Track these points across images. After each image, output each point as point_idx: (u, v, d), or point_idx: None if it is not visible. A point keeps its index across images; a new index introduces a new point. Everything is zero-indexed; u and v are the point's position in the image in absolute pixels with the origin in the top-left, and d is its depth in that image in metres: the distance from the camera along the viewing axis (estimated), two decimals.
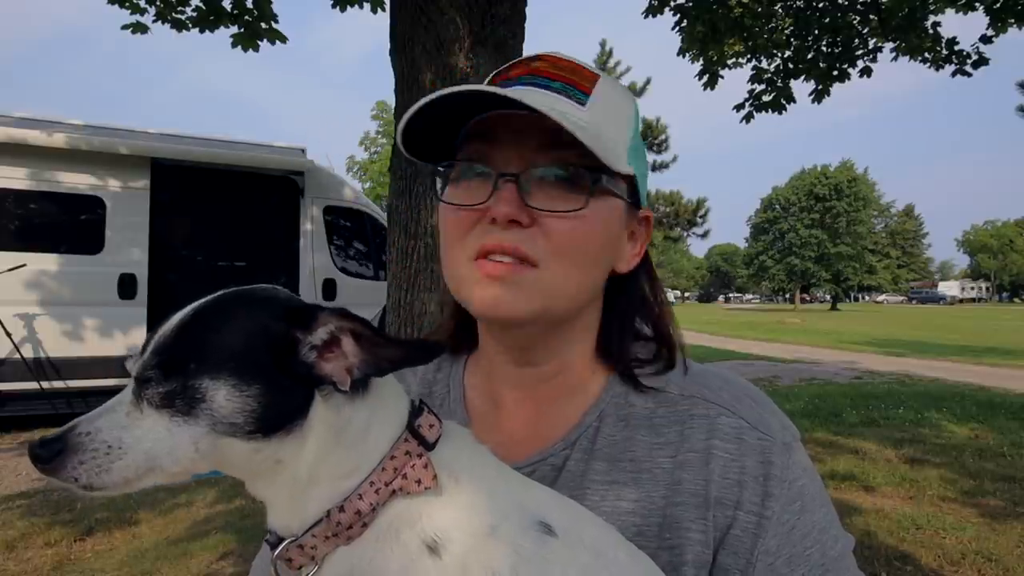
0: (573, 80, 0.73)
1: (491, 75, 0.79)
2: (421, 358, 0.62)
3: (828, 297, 74.32)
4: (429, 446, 0.64)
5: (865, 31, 6.12)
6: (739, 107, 6.81)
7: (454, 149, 0.76)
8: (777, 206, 70.27)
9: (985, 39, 5.74)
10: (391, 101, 3.05)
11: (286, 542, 0.61)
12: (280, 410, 0.58)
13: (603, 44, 22.39)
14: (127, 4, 4.66)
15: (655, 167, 21.93)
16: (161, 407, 0.56)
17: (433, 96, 0.67)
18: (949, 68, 6.04)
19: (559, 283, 0.72)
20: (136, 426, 0.57)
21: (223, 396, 0.55)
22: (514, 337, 0.79)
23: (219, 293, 0.62)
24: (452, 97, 0.67)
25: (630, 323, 0.85)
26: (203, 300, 0.61)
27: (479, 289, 0.72)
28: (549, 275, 0.71)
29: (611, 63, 22.21)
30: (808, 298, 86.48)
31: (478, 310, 0.73)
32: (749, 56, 6.63)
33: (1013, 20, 5.44)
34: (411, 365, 0.62)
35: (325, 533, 0.59)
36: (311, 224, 8.18)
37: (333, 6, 5.04)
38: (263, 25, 4.71)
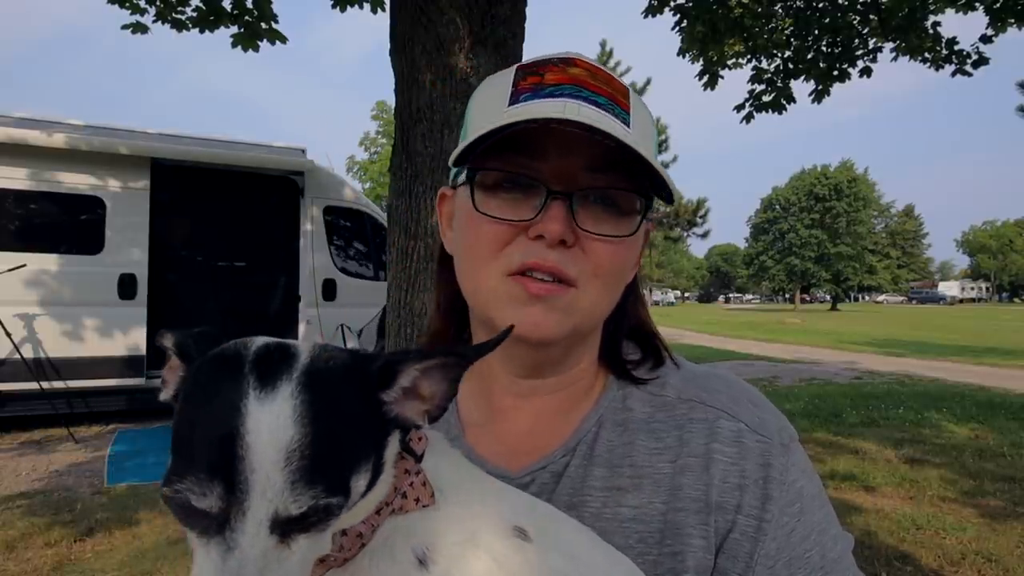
0: (614, 96, 0.71)
1: (516, 68, 0.75)
2: (493, 346, 0.58)
3: (828, 297, 74.35)
4: (418, 459, 0.63)
5: (865, 31, 6.12)
6: (739, 107, 6.81)
7: (477, 150, 0.70)
8: (777, 206, 70.29)
9: (985, 39, 5.75)
10: (391, 101, 3.05)
11: None
12: (380, 468, 0.55)
13: (603, 44, 22.41)
14: (127, 4, 4.67)
15: None
16: (326, 529, 0.50)
17: (507, 122, 0.64)
18: (949, 68, 6.04)
19: (593, 303, 0.73)
20: (290, 567, 0.48)
21: (362, 483, 0.52)
22: (536, 356, 0.78)
23: (297, 378, 0.49)
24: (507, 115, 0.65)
25: (623, 325, 0.86)
26: (293, 396, 0.48)
27: (518, 308, 0.70)
28: (585, 296, 0.71)
29: (611, 63, 22.20)
30: (808, 298, 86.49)
31: (516, 330, 0.68)
32: (749, 56, 6.63)
33: (1013, 20, 5.44)
34: (480, 354, 0.58)
35: (320, 557, 0.57)
36: (311, 224, 8.18)
37: (333, 6, 5.04)
38: (263, 25, 4.71)
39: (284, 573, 0.47)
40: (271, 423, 0.46)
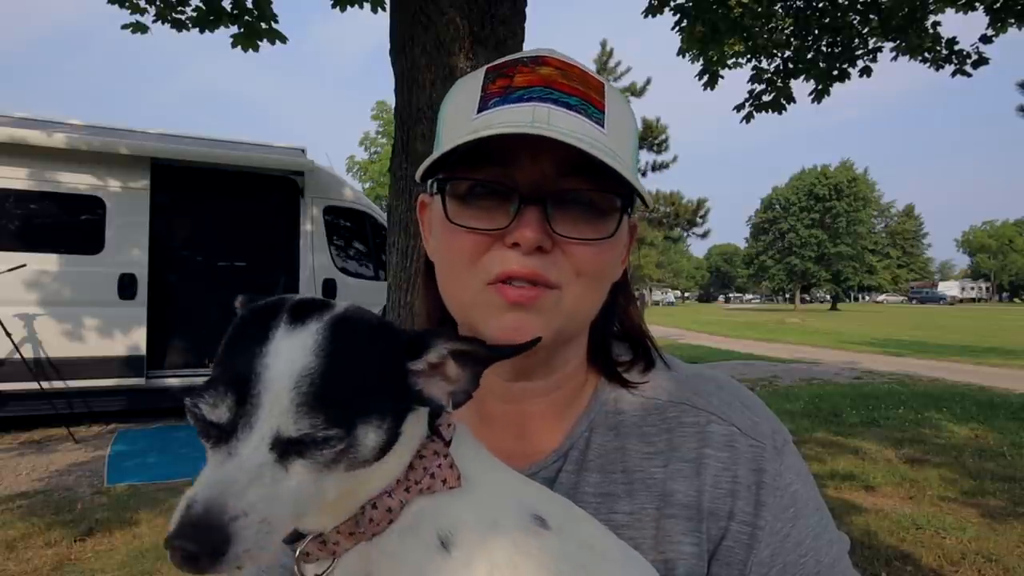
0: (588, 95, 0.69)
1: (486, 69, 0.73)
2: (519, 350, 0.61)
3: (828, 297, 74.36)
4: (446, 444, 0.64)
5: (865, 31, 6.12)
6: (739, 107, 6.81)
7: (449, 161, 0.69)
8: (777, 206, 70.29)
9: (985, 39, 5.74)
10: (391, 101, 3.05)
11: (308, 538, 0.61)
12: (396, 436, 0.57)
13: (603, 44, 22.39)
14: (127, 4, 4.67)
15: (655, 167, 21.93)
16: (325, 463, 0.51)
17: (474, 138, 0.63)
18: (949, 68, 6.04)
19: (579, 304, 0.71)
20: (284, 489, 0.50)
21: (372, 437, 0.54)
22: (523, 360, 0.75)
23: (327, 320, 0.54)
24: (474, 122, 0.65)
25: (611, 326, 0.85)
26: (317, 332, 0.53)
27: (500, 315, 0.69)
28: (570, 297, 0.70)
29: (611, 63, 22.21)
30: (808, 298, 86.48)
31: (499, 337, 0.69)
32: (749, 56, 6.63)
33: (1013, 20, 5.45)
34: (506, 354, 0.61)
35: (349, 529, 0.59)
36: (311, 224, 8.18)
37: (333, 6, 5.04)
38: (263, 25, 4.71)
39: (275, 492, 0.50)
40: (290, 350, 0.51)
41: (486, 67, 0.74)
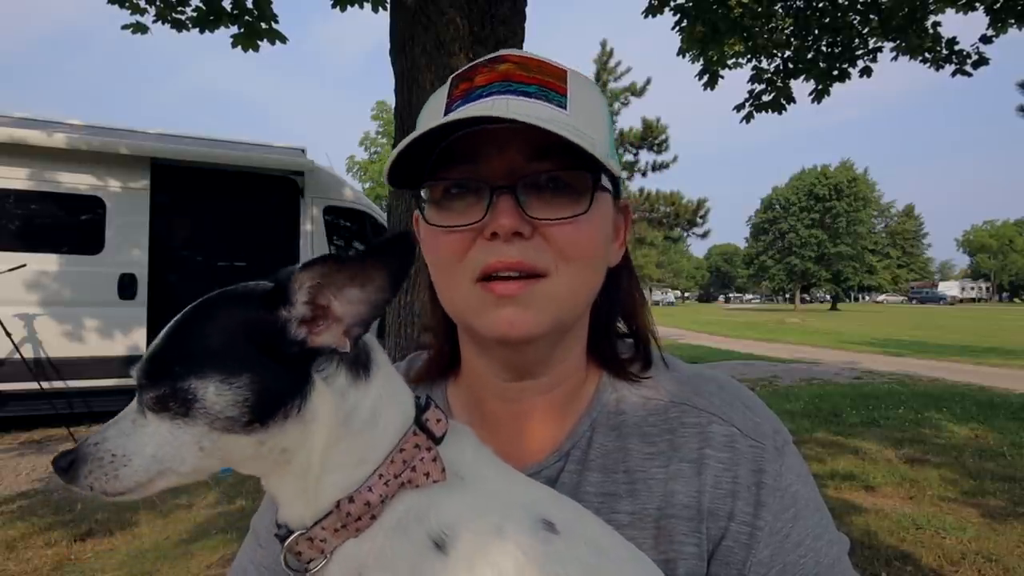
0: (546, 81, 0.71)
1: (451, 77, 0.76)
2: (404, 254, 0.58)
3: (828, 297, 74.36)
4: (437, 440, 0.64)
5: (865, 31, 6.11)
6: (739, 107, 6.80)
7: (424, 170, 0.72)
8: (777, 206, 70.28)
9: (985, 39, 5.74)
10: (391, 101, 3.05)
11: (295, 534, 0.61)
12: (273, 395, 0.57)
13: (603, 44, 22.37)
14: (127, 4, 4.66)
15: (655, 167, 21.90)
16: (159, 411, 0.58)
17: (421, 132, 0.66)
18: (949, 68, 6.03)
19: (570, 290, 0.71)
20: (140, 432, 0.59)
21: (212, 392, 0.56)
22: (522, 354, 0.76)
23: (206, 296, 0.63)
24: (441, 125, 0.65)
25: (614, 321, 0.84)
26: (191, 305, 0.62)
27: (492, 312, 0.69)
28: (560, 283, 0.70)
29: (611, 63, 22.19)
30: (807, 298, 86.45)
31: (494, 333, 0.70)
32: (749, 56, 6.62)
33: (1013, 20, 5.44)
34: (402, 272, 0.58)
35: (334, 525, 0.59)
36: (311, 224, 8.18)
37: (333, 6, 5.03)
38: (263, 25, 4.70)
39: (130, 432, 0.59)
40: (168, 326, 0.62)
41: (452, 76, 0.76)
